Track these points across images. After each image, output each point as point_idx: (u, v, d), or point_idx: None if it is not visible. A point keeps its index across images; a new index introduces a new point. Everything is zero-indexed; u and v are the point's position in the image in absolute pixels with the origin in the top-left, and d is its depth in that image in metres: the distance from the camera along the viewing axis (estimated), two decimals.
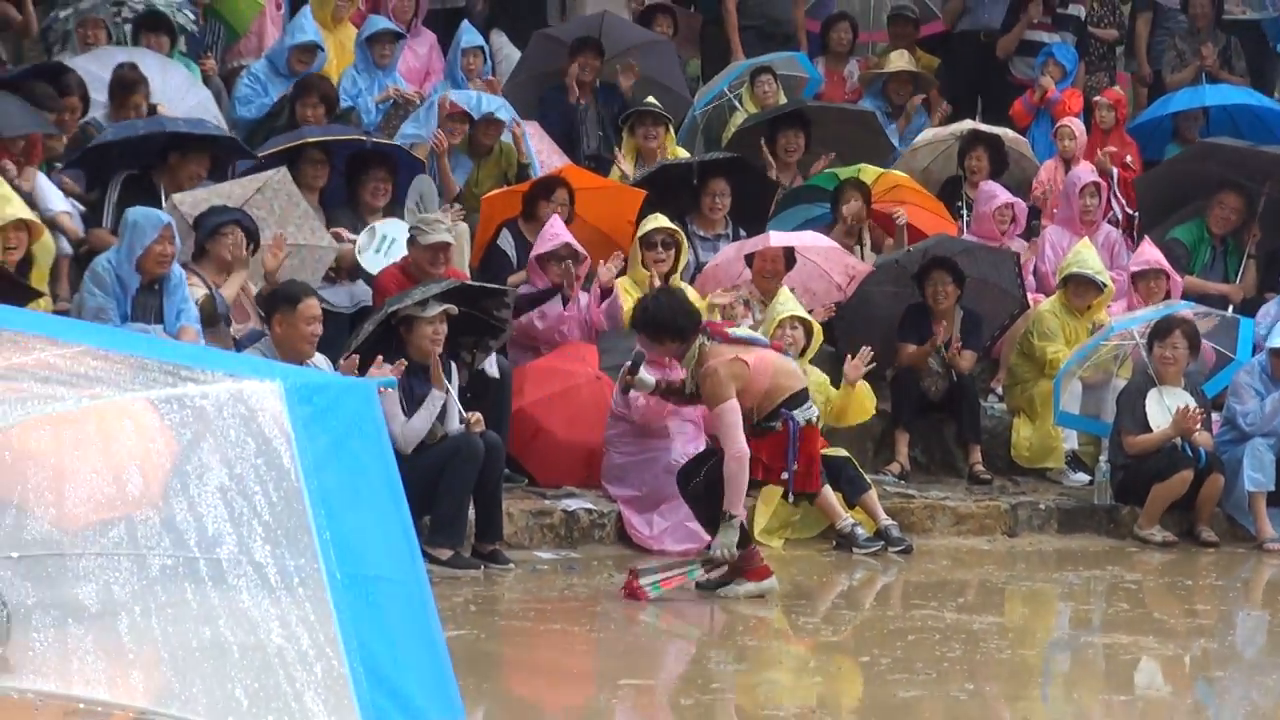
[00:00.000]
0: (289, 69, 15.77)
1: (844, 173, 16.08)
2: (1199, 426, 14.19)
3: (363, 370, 11.82)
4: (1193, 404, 14.19)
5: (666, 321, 11.55)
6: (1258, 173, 16.59)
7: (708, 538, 12.98)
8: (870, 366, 13.94)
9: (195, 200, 13.13)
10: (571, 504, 13.28)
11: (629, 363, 11.99)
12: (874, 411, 14.25)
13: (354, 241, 13.88)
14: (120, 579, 3.94)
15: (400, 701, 4.02)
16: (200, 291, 12.58)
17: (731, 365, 11.43)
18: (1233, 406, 14.62)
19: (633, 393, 12.54)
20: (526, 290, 13.78)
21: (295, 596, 3.99)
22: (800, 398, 11.69)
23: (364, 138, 14.74)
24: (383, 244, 13.83)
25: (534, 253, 13.94)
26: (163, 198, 13.21)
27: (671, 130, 16.37)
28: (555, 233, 13.92)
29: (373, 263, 13.70)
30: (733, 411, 11.39)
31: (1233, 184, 16.52)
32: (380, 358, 11.98)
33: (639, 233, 14.50)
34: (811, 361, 14.01)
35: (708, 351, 11.49)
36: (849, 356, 13.99)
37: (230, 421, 4.06)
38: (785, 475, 11.62)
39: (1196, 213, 16.72)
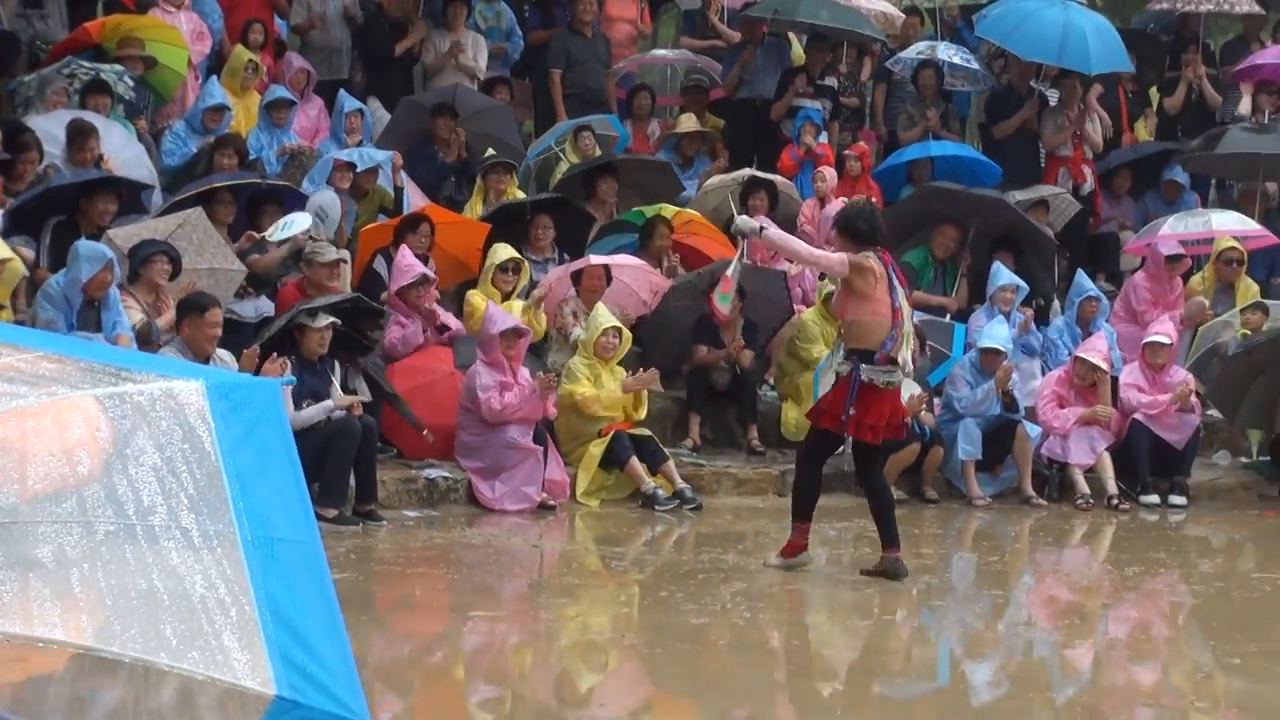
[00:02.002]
0: (203, 127, 15.78)
1: (649, 210, 16.15)
2: (924, 408, 14.34)
3: (261, 362, 11.88)
4: (920, 391, 14.33)
5: (852, 223, 10.61)
6: (970, 210, 16.75)
7: (537, 499, 13.07)
8: (651, 385, 14.06)
9: (127, 235, 13.11)
10: (432, 473, 13.25)
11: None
12: (644, 412, 14.27)
13: (263, 238, 14.03)
14: (72, 541, 3.91)
15: (298, 638, 4.02)
16: (137, 315, 12.51)
17: (867, 269, 10.43)
18: (949, 393, 14.77)
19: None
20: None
21: (215, 555, 3.97)
22: (868, 356, 10.48)
23: (260, 180, 14.80)
24: (285, 227, 14.00)
25: (394, 286, 13.90)
26: (82, 235, 13.10)
27: (514, 176, 16.40)
28: (409, 264, 13.91)
29: (276, 237, 14.02)
30: (825, 256, 10.86)
31: (950, 219, 16.69)
32: (275, 355, 12.06)
33: (490, 260, 14.57)
34: (621, 362, 14.11)
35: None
36: (641, 368, 14.10)
37: (161, 413, 4.04)
38: (843, 418, 10.52)
39: (923, 241, 16.85)
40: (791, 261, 14.46)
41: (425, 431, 13.11)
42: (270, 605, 4.00)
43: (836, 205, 16.50)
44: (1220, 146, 17.96)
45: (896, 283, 10.57)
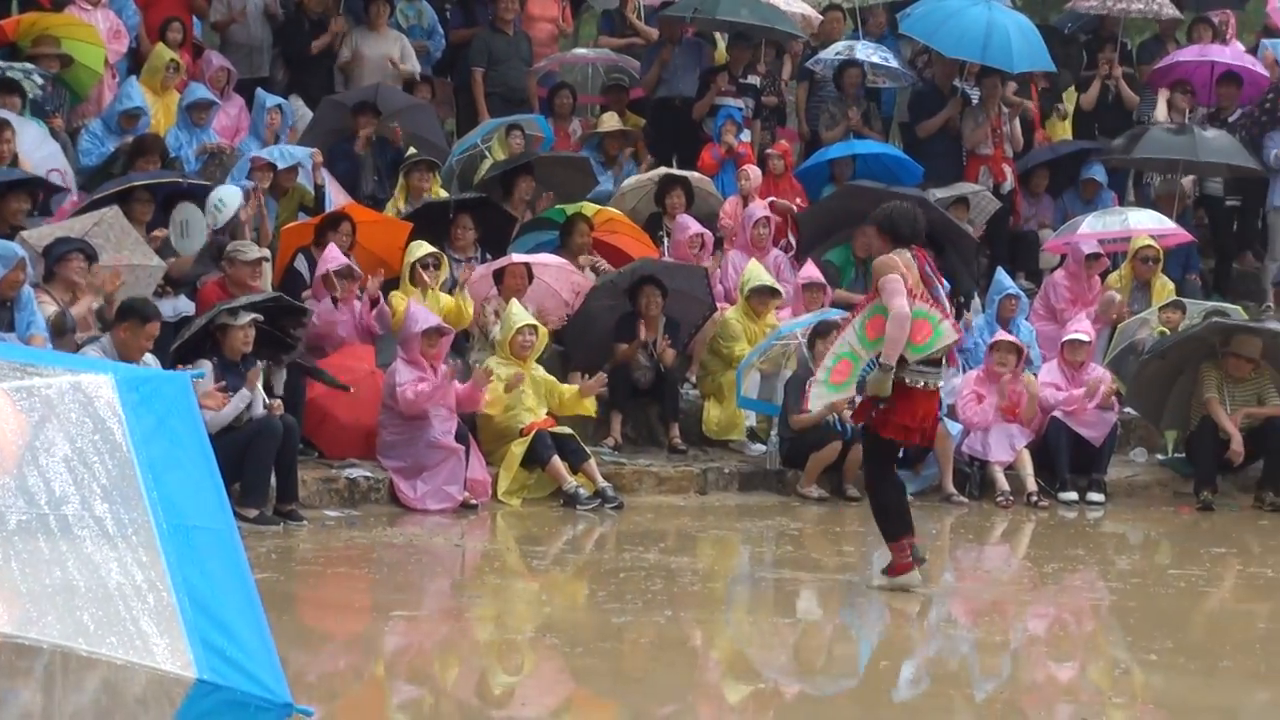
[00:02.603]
0: (119, 127, 15.71)
1: (570, 208, 16.15)
2: (846, 406, 14.37)
3: (183, 363, 11.88)
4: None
5: (896, 224, 10.26)
6: None
7: (459, 498, 13.05)
8: (603, 389, 14.09)
9: (41, 235, 13.07)
10: (353, 472, 13.20)
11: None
12: (594, 412, 14.34)
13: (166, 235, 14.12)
14: None
15: (217, 623, 4.04)
16: (51, 309, 12.44)
17: (900, 271, 10.02)
18: None
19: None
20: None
21: (130, 543, 3.99)
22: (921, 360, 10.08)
23: (180, 179, 14.74)
24: (183, 227, 14.13)
25: (318, 271, 13.92)
26: None
27: (438, 175, 16.37)
28: (334, 256, 13.94)
29: (180, 243, 14.13)
30: (894, 282, 9.97)
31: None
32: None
33: (410, 257, 14.53)
34: (539, 361, 14.10)
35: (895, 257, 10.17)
36: (583, 375, 14.16)
37: (71, 406, 4.06)
38: (874, 412, 10.19)
39: (845, 240, 16.88)
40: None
41: (351, 389, 13.08)
42: (188, 591, 4.01)
43: (757, 206, 16.59)
44: (1139, 148, 18.09)
45: (935, 279, 10.27)
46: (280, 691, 4.23)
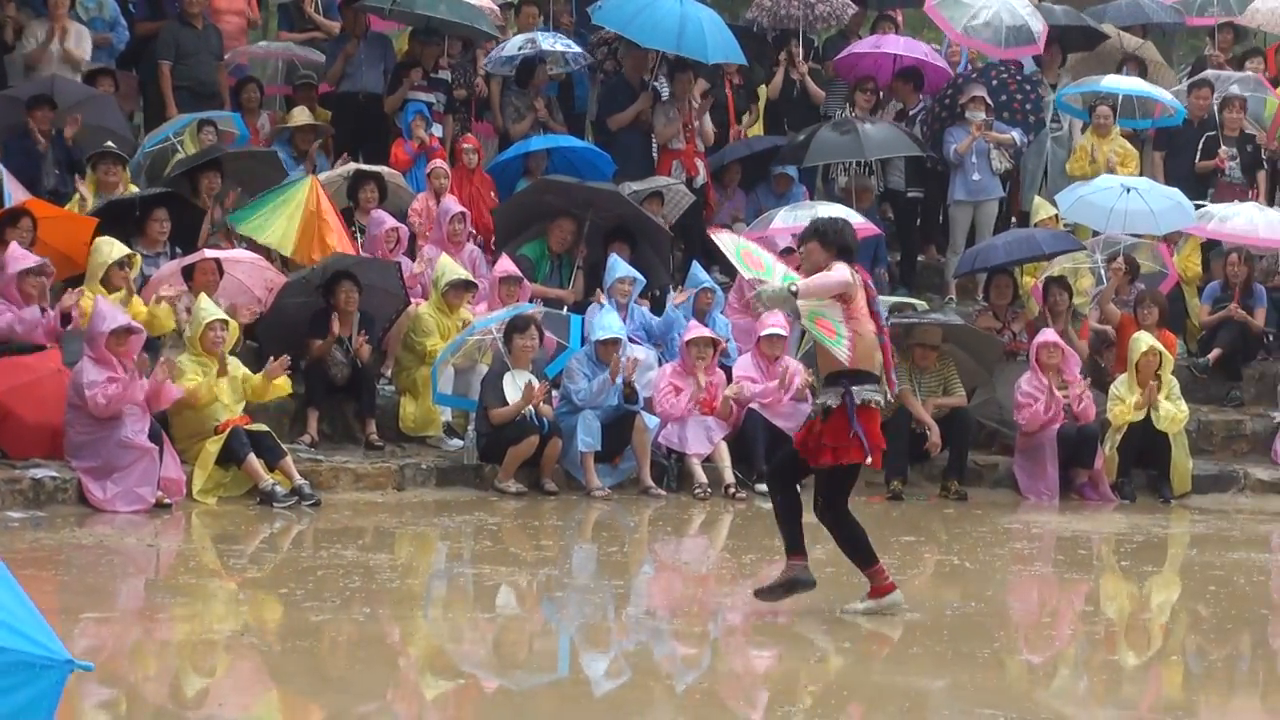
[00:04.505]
0: None
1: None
2: (544, 399, 14.43)
3: None
4: (537, 382, 14.43)
5: (846, 240, 9.76)
6: (584, 202, 16.92)
7: (152, 500, 12.81)
8: (287, 371, 13.92)
9: None
10: (38, 473, 12.91)
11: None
12: (291, 390, 14.21)
13: None
14: None
15: None
16: None
17: (849, 280, 9.56)
18: (567, 385, 14.89)
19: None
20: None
21: None
22: (868, 378, 9.66)
23: None
24: None
25: (8, 270, 13.53)
26: None
27: (126, 168, 16.04)
28: (22, 254, 13.57)
29: None
30: (828, 279, 9.50)
31: (566, 211, 16.83)
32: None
33: (101, 257, 14.22)
34: (234, 354, 13.93)
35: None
36: (271, 357, 13.94)
37: None
38: (858, 435, 9.57)
39: (539, 234, 16.96)
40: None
41: None
42: None
43: (451, 201, 16.55)
44: (810, 155, 18.38)
45: (875, 296, 9.91)
46: (59, 650, 4.43)
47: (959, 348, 15.80)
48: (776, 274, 9.70)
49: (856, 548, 9.96)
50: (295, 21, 20.40)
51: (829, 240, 9.74)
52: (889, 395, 9.83)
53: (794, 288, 9.33)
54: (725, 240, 10.25)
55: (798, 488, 10.04)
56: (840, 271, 9.56)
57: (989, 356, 16.17)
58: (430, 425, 15.11)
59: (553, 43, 18.86)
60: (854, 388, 9.55)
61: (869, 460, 9.75)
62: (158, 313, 14.10)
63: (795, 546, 9.94)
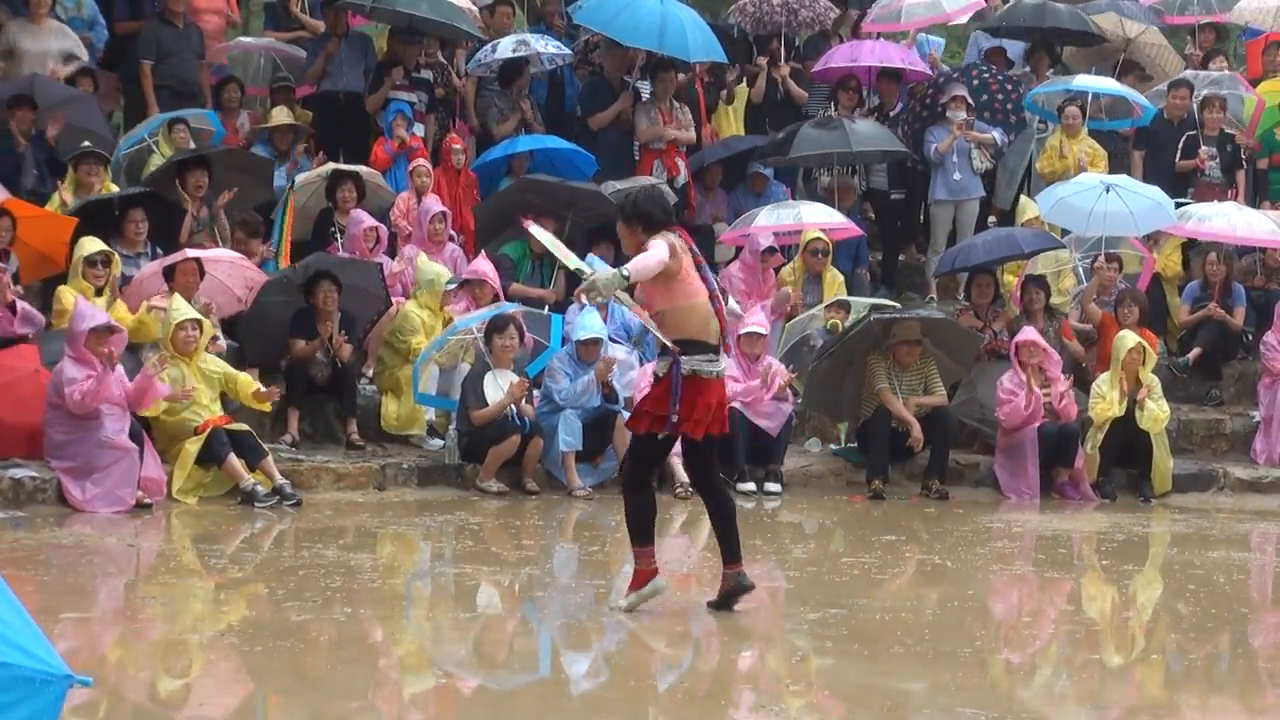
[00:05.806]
0: None
1: None
2: (525, 398, 14.44)
3: None
4: (520, 380, 14.43)
5: (643, 209, 9.54)
6: (566, 202, 16.94)
7: (132, 501, 12.79)
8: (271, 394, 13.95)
9: None
10: (18, 473, 12.90)
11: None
12: (270, 410, 14.19)
13: None
14: None
15: None
16: None
17: (675, 253, 9.36)
18: (549, 385, 14.89)
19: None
20: None
21: None
22: (701, 348, 9.46)
23: None
24: None
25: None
26: None
27: (107, 168, 16.02)
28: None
29: None
30: (651, 257, 9.22)
31: (548, 211, 16.82)
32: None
33: (78, 255, 14.22)
34: (210, 352, 13.93)
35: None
36: (260, 376, 13.97)
37: None
38: (672, 418, 9.41)
39: (521, 234, 16.94)
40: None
41: None
42: None
43: (432, 200, 16.55)
44: (794, 148, 18.37)
45: (704, 262, 9.67)
46: (59, 665, 4.48)
47: (936, 346, 15.81)
48: (599, 264, 9.60)
49: (638, 521, 9.77)
50: (281, 21, 20.35)
51: (629, 217, 9.55)
52: (725, 365, 9.66)
53: (625, 271, 9.13)
54: (540, 233, 10.16)
55: (729, 492, 10.14)
56: (658, 247, 9.31)
57: (966, 353, 16.17)
58: (412, 424, 15.11)
59: (545, 44, 18.87)
60: (683, 357, 9.37)
61: (689, 433, 9.48)
62: (146, 320, 14.10)
63: (732, 555, 9.96)
